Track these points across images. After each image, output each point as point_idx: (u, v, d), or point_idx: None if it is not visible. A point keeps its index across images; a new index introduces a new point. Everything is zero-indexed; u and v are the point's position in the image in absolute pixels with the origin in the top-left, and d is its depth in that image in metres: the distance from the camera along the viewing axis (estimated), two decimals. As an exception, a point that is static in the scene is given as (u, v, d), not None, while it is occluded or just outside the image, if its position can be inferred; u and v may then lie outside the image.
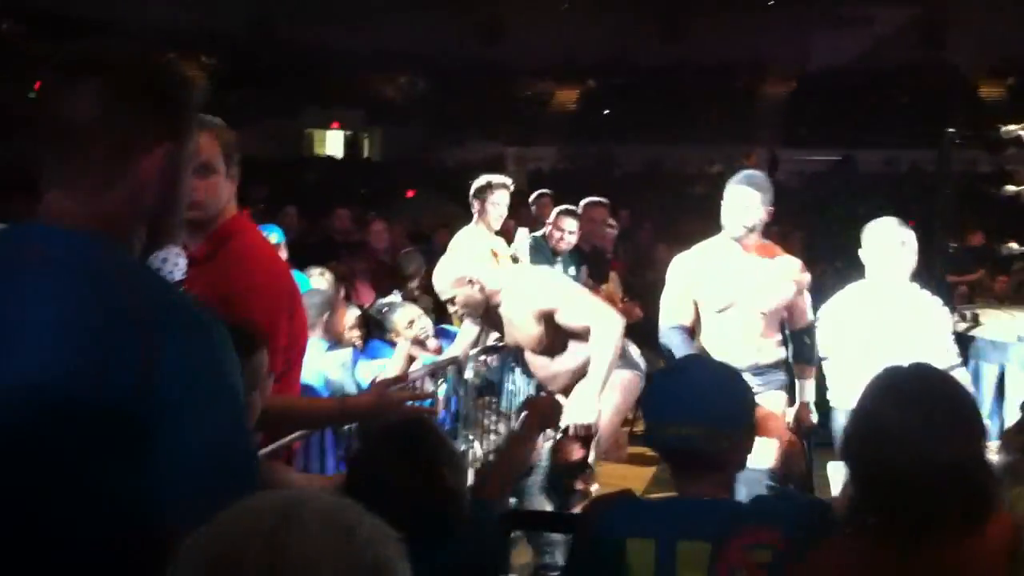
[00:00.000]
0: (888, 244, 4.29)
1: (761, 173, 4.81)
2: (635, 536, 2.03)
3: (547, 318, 4.16)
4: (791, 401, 4.58)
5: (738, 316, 4.37)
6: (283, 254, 4.88)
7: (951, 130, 6.97)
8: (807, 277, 4.59)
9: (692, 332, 4.45)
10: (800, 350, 4.64)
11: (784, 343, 4.58)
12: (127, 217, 1.48)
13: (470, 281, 4.25)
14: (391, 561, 0.96)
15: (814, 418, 4.60)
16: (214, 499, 1.23)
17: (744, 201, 4.36)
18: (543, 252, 6.18)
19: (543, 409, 2.69)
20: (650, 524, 2.05)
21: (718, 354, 4.03)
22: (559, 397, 4.42)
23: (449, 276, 4.33)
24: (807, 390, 4.66)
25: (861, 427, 1.91)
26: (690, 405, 2.07)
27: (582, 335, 4.07)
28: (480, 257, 5.04)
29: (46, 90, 1.47)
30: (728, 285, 4.37)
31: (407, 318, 5.13)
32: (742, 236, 4.36)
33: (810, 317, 4.55)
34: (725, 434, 2.06)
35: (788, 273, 4.48)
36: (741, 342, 4.33)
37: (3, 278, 1.40)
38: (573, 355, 4.16)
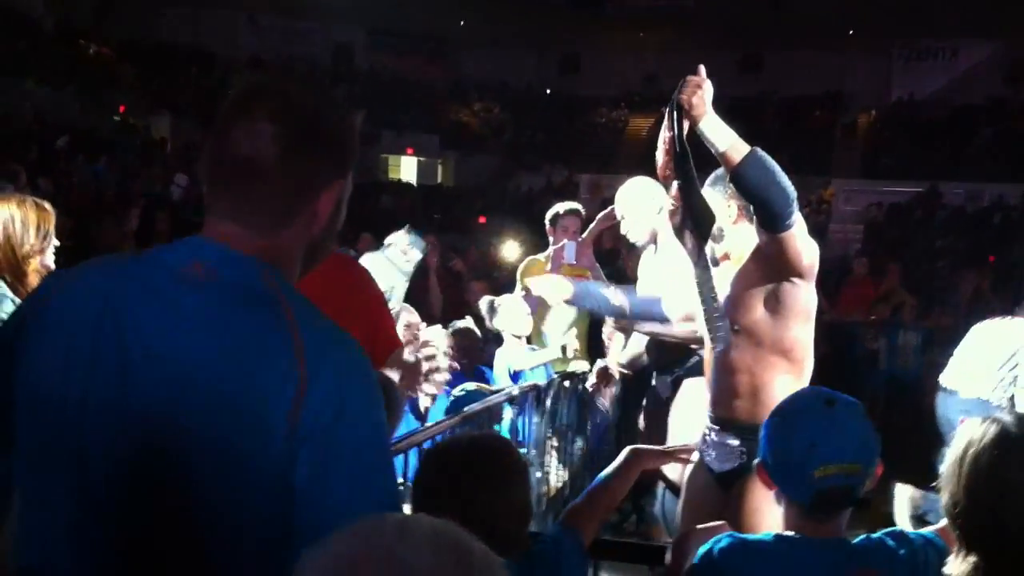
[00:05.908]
0: None
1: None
2: (734, 574, 2.00)
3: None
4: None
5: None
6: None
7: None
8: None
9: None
10: None
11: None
12: (297, 249, 1.52)
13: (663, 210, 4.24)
14: None
15: None
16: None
17: None
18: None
19: (648, 457, 2.61)
20: (748, 563, 2.01)
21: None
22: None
23: (649, 195, 4.51)
24: None
25: (987, 487, 1.80)
26: (850, 442, 2.01)
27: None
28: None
29: (224, 125, 1.49)
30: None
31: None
32: None
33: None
34: (873, 470, 2.02)
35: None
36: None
37: (166, 298, 1.41)
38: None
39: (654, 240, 4.69)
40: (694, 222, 3.23)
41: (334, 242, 1.63)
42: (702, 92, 3.04)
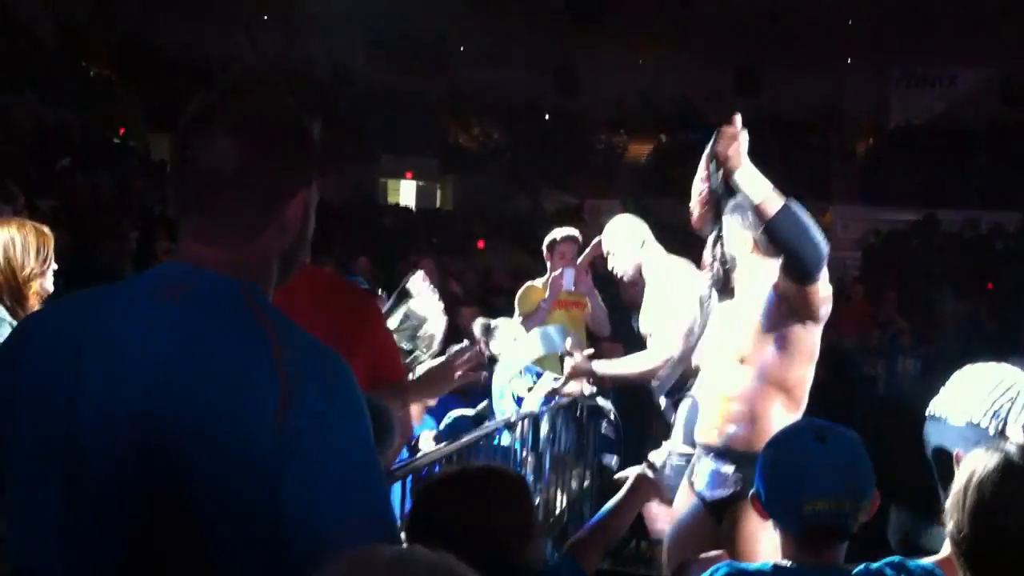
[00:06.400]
0: None
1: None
2: None
3: None
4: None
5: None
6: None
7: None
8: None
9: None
10: None
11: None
12: (269, 261, 1.51)
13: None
14: None
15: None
16: (346, 539, 1.22)
17: None
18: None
19: (649, 487, 2.59)
20: None
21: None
22: None
23: (631, 231, 4.89)
24: None
25: (990, 514, 1.79)
26: (840, 478, 2.00)
27: None
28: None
29: (184, 141, 1.48)
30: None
31: None
32: None
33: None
34: (867, 504, 2.01)
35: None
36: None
37: (145, 314, 1.42)
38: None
39: (639, 273, 4.89)
40: (726, 276, 3.31)
41: (307, 251, 1.62)
42: (738, 143, 3.06)
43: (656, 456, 3.30)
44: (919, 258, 18.95)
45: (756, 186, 3.05)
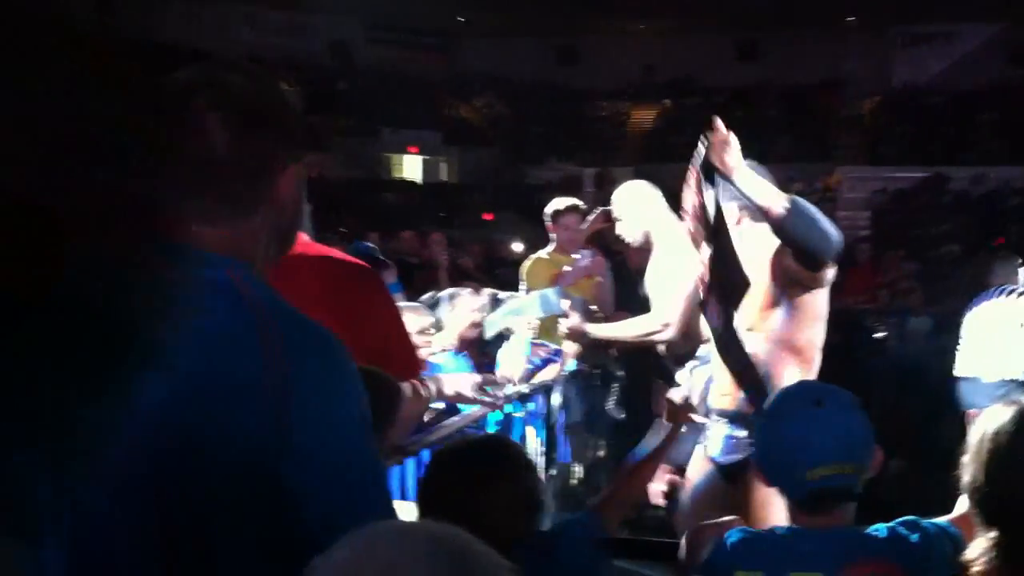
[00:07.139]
0: None
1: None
2: (743, 568, 2.00)
3: None
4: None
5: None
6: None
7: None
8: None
9: None
10: None
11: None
12: (262, 238, 1.51)
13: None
14: None
15: None
16: (343, 523, 1.21)
17: None
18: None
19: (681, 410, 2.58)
20: (759, 555, 2.01)
21: None
22: None
23: (641, 197, 4.86)
24: None
25: (1005, 464, 1.79)
26: (839, 443, 1.99)
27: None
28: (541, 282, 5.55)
29: (168, 122, 1.47)
30: None
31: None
32: None
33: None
34: (869, 463, 2.02)
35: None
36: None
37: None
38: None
39: (648, 239, 4.86)
40: (723, 290, 3.29)
41: (300, 226, 1.63)
42: (730, 147, 3.06)
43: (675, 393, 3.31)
44: (926, 216, 18.87)
45: (757, 187, 3.06)
